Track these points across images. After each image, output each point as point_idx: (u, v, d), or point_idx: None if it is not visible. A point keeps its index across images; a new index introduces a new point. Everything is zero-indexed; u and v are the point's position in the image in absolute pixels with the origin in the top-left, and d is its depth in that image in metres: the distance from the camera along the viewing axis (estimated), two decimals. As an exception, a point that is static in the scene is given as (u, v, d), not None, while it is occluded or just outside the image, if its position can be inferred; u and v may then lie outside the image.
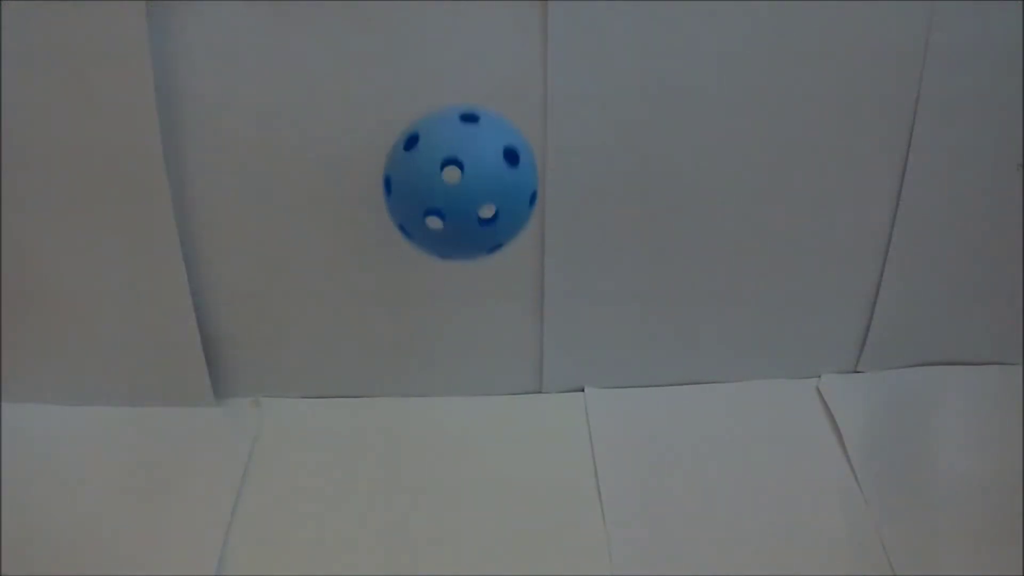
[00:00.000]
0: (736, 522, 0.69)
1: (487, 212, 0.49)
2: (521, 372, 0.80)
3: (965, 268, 0.78)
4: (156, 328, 0.74)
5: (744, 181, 0.73)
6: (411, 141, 0.51)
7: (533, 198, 0.53)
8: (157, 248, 0.70)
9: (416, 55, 0.66)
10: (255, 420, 0.77)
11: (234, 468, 0.72)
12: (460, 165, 0.48)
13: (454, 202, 0.48)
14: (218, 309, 0.75)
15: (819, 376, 0.82)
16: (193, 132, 0.67)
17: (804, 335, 0.80)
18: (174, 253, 0.70)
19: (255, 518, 0.68)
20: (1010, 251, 0.77)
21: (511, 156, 0.50)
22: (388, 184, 0.52)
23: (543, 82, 0.67)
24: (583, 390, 0.80)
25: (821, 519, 0.69)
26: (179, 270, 0.71)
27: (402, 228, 0.52)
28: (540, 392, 0.81)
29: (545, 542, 0.67)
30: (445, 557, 0.66)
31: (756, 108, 0.70)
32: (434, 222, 0.49)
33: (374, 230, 0.72)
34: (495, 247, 0.52)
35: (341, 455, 0.74)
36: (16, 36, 0.62)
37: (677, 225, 0.74)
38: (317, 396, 0.80)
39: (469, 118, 0.51)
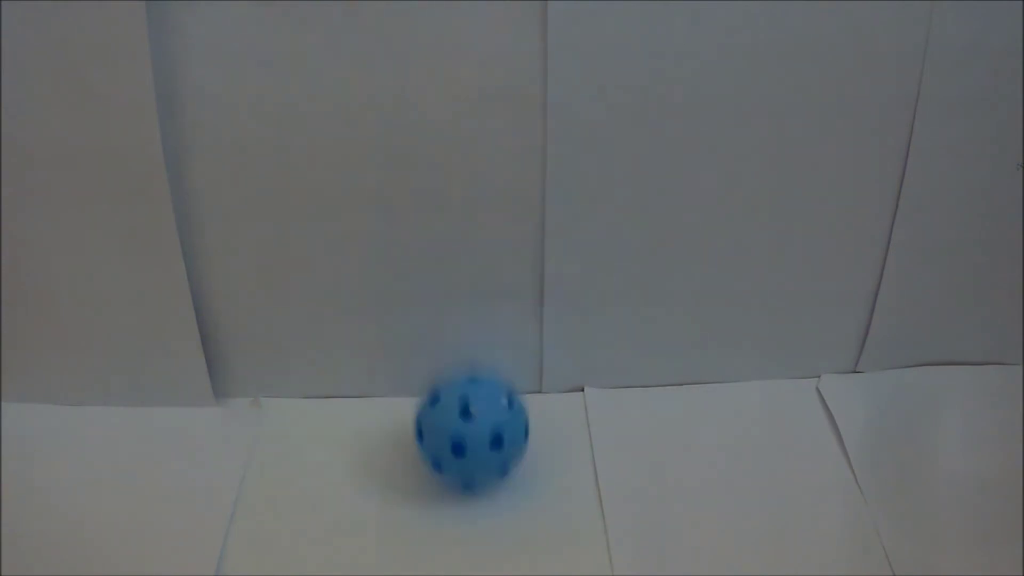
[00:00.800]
0: (736, 522, 0.69)
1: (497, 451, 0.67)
2: (521, 372, 0.79)
3: (965, 268, 0.78)
4: (156, 328, 0.74)
5: (744, 181, 0.73)
6: (434, 398, 0.68)
7: (527, 430, 0.70)
8: (157, 248, 0.70)
9: (416, 55, 0.66)
10: (255, 420, 0.77)
11: (234, 468, 0.72)
12: (472, 408, 0.66)
13: (472, 433, 0.66)
14: (218, 309, 0.75)
15: (819, 376, 0.82)
16: (193, 132, 0.67)
17: (804, 335, 0.80)
18: (174, 253, 0.70)
19: (255, 518, 0.68)
20: (1010, 251, 0.77)
21: (509, 400, 0.68)
22: (420, 429, 0.69)
23: (543, 82, 0.67)
24: (583, 390, 0.80)
25: (821, 519, 0.69)
26: (179, 270, 0.71)
27: (435, 464, 0.68)
28: (540, 392, 0.81)
29: (545, 542, 0.67)
30: (445, 557, 0.66)
31: (756, 108, 0.70)
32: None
33: (374, 229, 0.72)
34: (504, 469, 0.69)
35: (341, 455, 0.74)
36: (16, 36, 0.62)
37: (677, 225, 0.74)
38: (317, 396, 0.80)
39: (475, 377, 0.69)
